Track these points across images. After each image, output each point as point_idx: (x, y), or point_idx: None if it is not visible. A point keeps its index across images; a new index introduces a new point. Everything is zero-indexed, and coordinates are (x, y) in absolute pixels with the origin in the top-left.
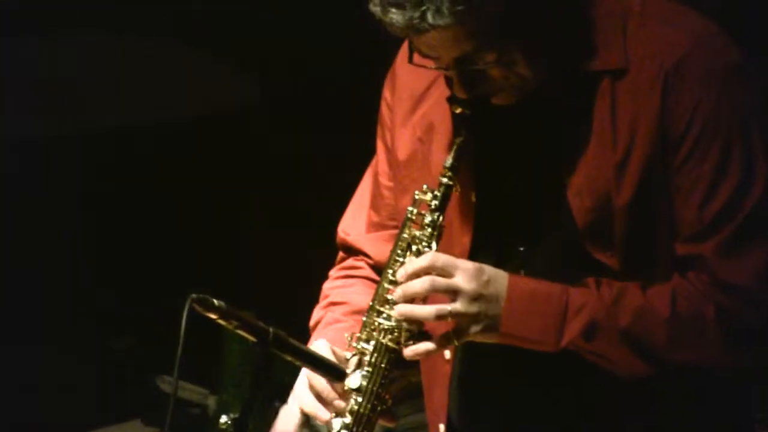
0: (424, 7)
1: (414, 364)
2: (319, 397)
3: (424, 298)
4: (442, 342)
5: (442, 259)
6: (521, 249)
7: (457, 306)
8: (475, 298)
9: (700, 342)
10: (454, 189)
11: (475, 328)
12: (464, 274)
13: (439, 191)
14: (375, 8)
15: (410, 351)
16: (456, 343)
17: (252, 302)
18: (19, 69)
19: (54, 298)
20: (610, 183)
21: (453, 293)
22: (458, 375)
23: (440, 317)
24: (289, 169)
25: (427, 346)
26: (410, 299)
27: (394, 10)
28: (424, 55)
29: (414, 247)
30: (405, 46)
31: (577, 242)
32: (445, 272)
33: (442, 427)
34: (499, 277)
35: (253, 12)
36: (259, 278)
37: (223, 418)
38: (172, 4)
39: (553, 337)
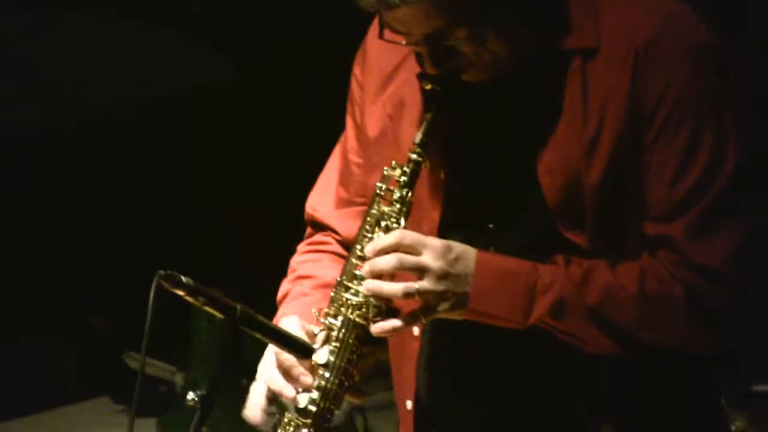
0: None
1: (382, 341)
2: (287, 374)
3: (392, 275)
4: (410, 319)
5: (410, 236)
6: (491, 226)
7: (425, 284)
8: (443, 276)
9: (668, 321)
10: (423, 165)
11: (443, 306)
12: (432, 251)
13: (408, 167)
14: None
15: (377, 328)
16: (424, 321)
17: (223, 280)
18: None
19: (29, 278)
20: (580, 162)
21: (420, 271)
22: (426, 352)
23: (408, 295)
24: (267, 152)
25: (394, 323)
26: (378, 276)
27: None
28: (395, 31)
29: (383, 223)
30: (376, 22)
31: (547, 220)
32: (412, 250)
33: (409, 403)
34: (467, 254)
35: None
36: (231, 257)
37: (191, 395)
38: None
39: (521, 315)
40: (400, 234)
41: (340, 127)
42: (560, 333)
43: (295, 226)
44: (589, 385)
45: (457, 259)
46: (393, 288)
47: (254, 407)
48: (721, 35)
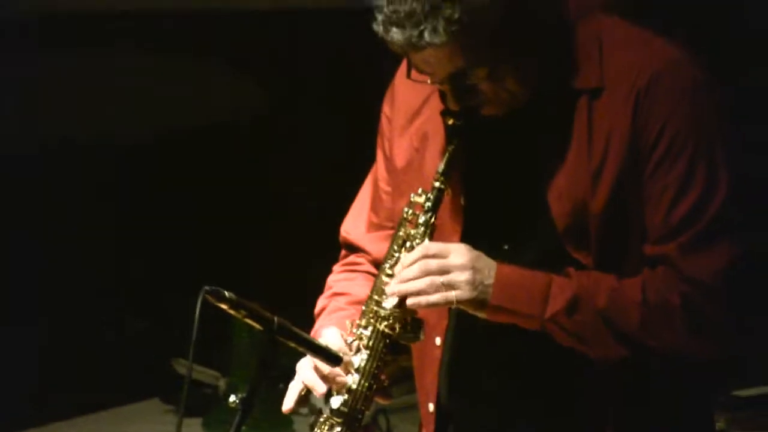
0: (422, 27)
1: (406, 349)
2: (322, 375)
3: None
4: (443, 300)
5: (434, 246)
6: (506, 247)
7: (451, 277)
8: (469, 267)
9: (668, 328)
10: (445, 192)
11: (470, 293)
12: (456, 252)
13: (432, 194)
14: (378, 27)
15: (413, 301)
16: (454, 305)
17: (263, 295)
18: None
19: (85, 285)
20: (586, 190)
21: (446, 272)
22: (447, 360)
23: (434, 287)
24: (295, 176)
25: (429, 298)
26: (404, 281)
27: (395, 29)
28: (421, 71)
29: (408, 244)
30: (404, 64)
31: (556, 242)
32: (438, 256)
33: (431, 405)
34: (488, 259)
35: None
36: (271, 273)
37: (232, 398)
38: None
39: (539, 309)
40: (424, 246)
41: (367, 156)
42: (568, 335)
43: (332, 250)
44: (595, 394)
45: (479, 257)
46: (418, 284)
47: (289, 397)
48: (713, 75)
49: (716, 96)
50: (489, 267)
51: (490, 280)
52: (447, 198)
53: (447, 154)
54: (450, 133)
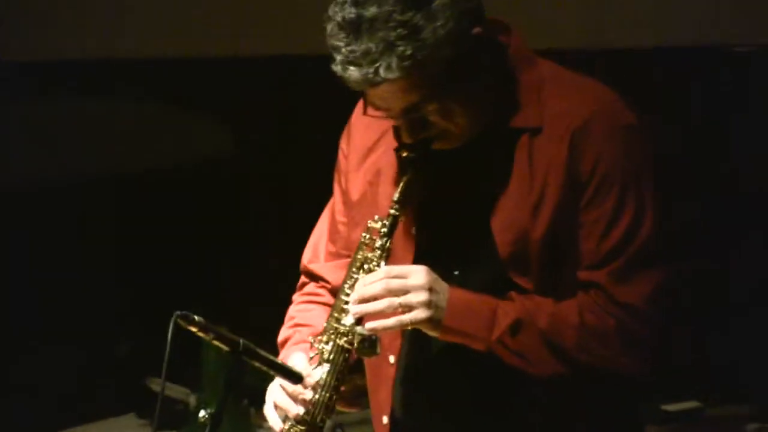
0: (377, 64)
1: (360, 368)
2: (290, 394)
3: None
4: (397, 323)
5: (396, 268)
6: (456, 273)
7: (409, 297)
8: (426, 289)
9: (603, 347)
10: (400, 219)
11: (424, 314)
12: (416, 273)
13: (387, 221)
14: (336, 67)
15: (371, 325)
16: (409, 326)
17: (229, 317)
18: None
19: (67, 308)
20: (527, 221)
21: (405, 292)
22: (400, 376)
23: (392, 307)
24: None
25: (384, 323)
26: (365, 301)
27: (352, 68)
28: (377, 108)
29: (366, 266)
30: (360, 105)
31: (501, 269)
32: (399, 276)
33: (385, 418)
34: (443, 283)
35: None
36: (238, 298)
37: (202, 413)
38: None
39: (486, 332)
40: (387, 268)
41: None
42: (512, 354)
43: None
44: (536, 407)
45: (436, 280)
46: (378, 305)
47: (274, 420)
48: (641, 117)
49: (644, 137)
50: (443, 290)
51: (444, 303)
52: (400, 227)
53: (402, 184)
54: (404, 166)
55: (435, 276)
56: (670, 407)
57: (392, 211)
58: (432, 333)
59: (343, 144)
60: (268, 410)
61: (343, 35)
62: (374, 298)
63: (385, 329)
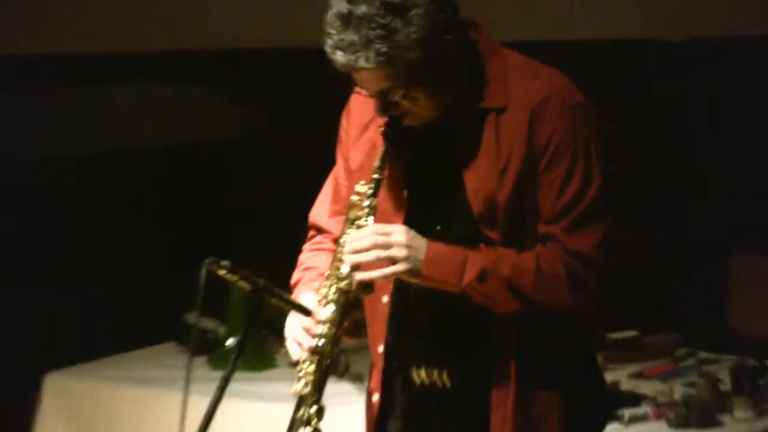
0: (358, 54)
1: (360, 304)
2: (304, 329)
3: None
4: (382, 276)
5: (381, 226)
6: (438, 228)
7: (393, 251)
8: (407, 246)
9: (555, 289)
10: (381, 182)
11: (405, 266)
12: (397, 232)
13: (372, 184)
14: (327, 48)
15: (362, 276)
16: (392, 277)
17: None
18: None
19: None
20: (495, 184)
21: (388, 246)
22: (392, 313)
23: (379, 259)
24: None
25: (372, 274)
26: (357, 252)
27: (339, 52)
28: (359, 85)
29: (356, 223)
30: (356, 90)
31: (474, 224)
32: (384, 234)
33: (381, 347)
34: (420, 239)
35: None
36: (261, 249)
37: (229, 341)
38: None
39: (457, 279)
40: (374, 226)
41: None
42: (480, 295)
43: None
44: (501, 337)
45: (414, 237)
46: (367, 256)
47: (294, 350)
48: (588, 97)
49: (591, 114)
50: (421, 245)
51: (422, 256)
52: (393, 191)
53: (381, 153)
54: (383, 137)
55: (414, 233)
56: (615, 335)
57: (375, 176)
58: (412, 281)
59: (343, 121)
60: (289, 344)
61: (336, 24)
62: (364, 251)
63: (372, 281)
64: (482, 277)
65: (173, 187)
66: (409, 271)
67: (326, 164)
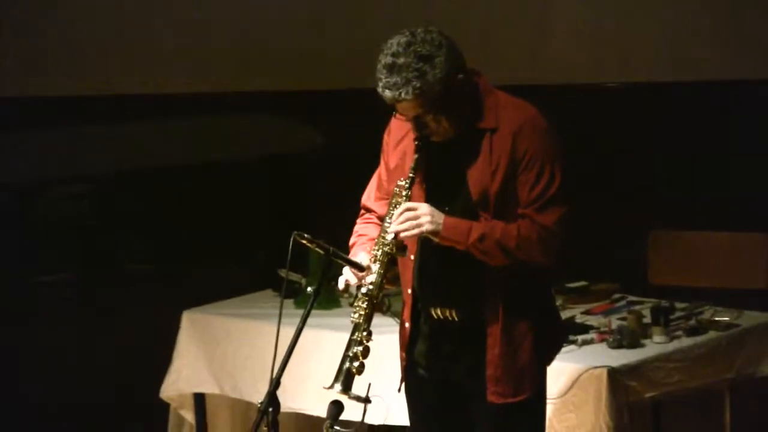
0: (400, 91)
1: (395, 263)
2: (357, 276)
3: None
4: (417, 231)
5: (411, 203)
6: (446, 209)
7: (420, 218)
8: (429, 214)
9: (531, 249)
10: (416, 179)
11: (430, 227)
12: (422, 206)
13: (408, 181)
14: (378, 89)
15: (404, 233)
16: (423, 234)
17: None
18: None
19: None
20: (488, 180)
21: (417, 216)
22: (417, 266)
23: (411, 224)
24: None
25: (407, 232)
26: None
27: (387, 91)
28: (400, 113)
29: (398, 206)
30: (397, 114)
31: (473, 207)
32: (412, 208)
33: (409, 290)
34: (439, 213)
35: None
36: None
37: (309, 289)
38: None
39: (464, 239)
40: (406, 204)
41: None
42: (479, 252)
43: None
44: (493, 281)
45: (434, 211)
46: (405, 224)
47: (341, 282)
48: (553, 123)
49: (555, 135)
50: (440, 215)
51: (440, 221)
52: (417, 184)
53: (415, 159)
54: (416, 149)
55: (433, 208)
56: (571, 285)
57: (411, 174)
58: (435, 239)
59: (385, 136)
60: (341, 279)
61: (384, 71)
62: (400, 220)
63: (408, 236)
64: (482, 238)
65: (270, 191)
66: (433, 232)
67: (370, 168)
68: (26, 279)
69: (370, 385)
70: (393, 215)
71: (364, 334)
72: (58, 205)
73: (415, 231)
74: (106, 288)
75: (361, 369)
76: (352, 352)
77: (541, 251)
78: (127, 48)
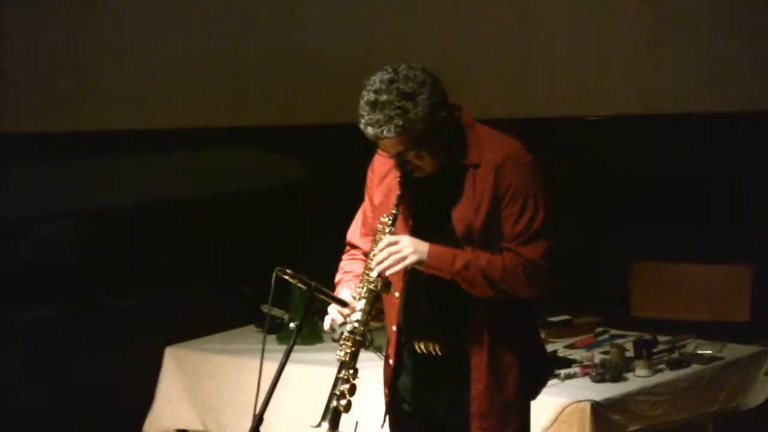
0: (382, 128)
1: (380, 299)
2: (342, 314)
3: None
4: (401, 266)
5: (393, 237)
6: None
7: (403, 251)
8: (410, 245)
9: (515, 281)
10: (398, 215)
11: (414, 258)
12: (404, 239)
13: (391, 217)
14: (361, 125)
15: (386, 270)
16: (407, 268)
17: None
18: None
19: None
20: (472, 216)
21: (399, 249)
22: (402, 303)
23: (393, 258)
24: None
25: (394, 267)
26: (380, 261)
27: (369, 128)
28: (383, 149)
29: (381, 243)
30: (379, 151)
31: (458, 242)
32: (394, 242)
33: (394, 327)
34: (423, 243)
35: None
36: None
37: (291, 325)
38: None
39: (450, 267)
40: (388, 238)
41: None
42: (464, 281)
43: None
44: (478, 314)
45: (416, 241)
46: (389, 261)
47: (326, 323)
48: (535, 157)
49: (536, 168)
50: (423, 245)
51: (425, 250)
52: (401, 219)
53: (398, 195)
54: (399, 185)
55: (417, 240)
56: (553, 319)
57: (393, 211)
58: (420, 268)
59: (369, 172)
60: (327, 319)
61: (366, 108)
62: (383, 257)
63: (393, 272)
64: (466, 266)
65: (255, 225)
66: (418, 262)
67: (356, 201)
68: (6, 314)
69: (357, 423)
70: (376, 250)
71: (351, 372)
72: (41, 240)
73: (400, 266)
74: (87, 323)
75: (348, 407)
76: (339, 391)
77: (526, 284)
78: (114, 83)
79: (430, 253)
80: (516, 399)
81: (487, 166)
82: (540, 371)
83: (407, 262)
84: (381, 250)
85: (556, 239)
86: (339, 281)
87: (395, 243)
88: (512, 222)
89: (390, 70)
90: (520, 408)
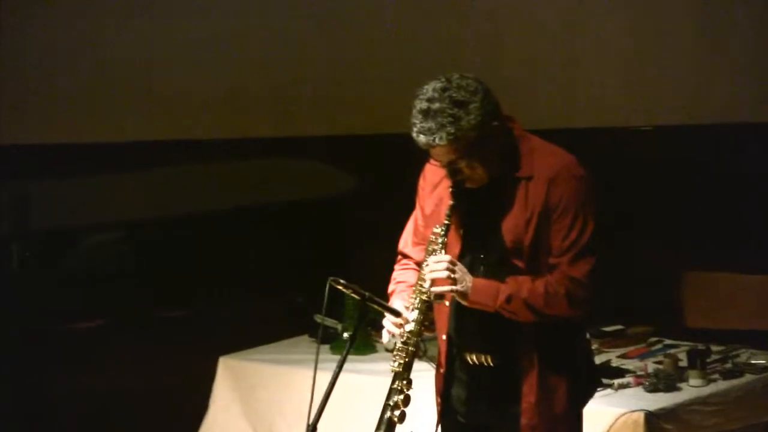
0: (434, 136)
1: (432, 309)
2: (395, 324)
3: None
4: (448, 289)
5: (454, 260)
6: (482, 256)
7: (457, 275)
8: (462, 273)
9: (558, 305)
10: (451, 225)
11: (461, 287)
12: (460, 265)
13: (443, 228)
14: (413, 134)
15: (436, 288)
16: (454, 291)
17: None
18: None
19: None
20: (522, 230)
21: (455, 271)
22: (452, 313)
23: (449, 277)
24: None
25: (442, 288)
26: (434, 271)
27: (421, 136)
28: (434, 158)
29: (434, 253)
30: (432, 162)
31: (507, 255)
32: (453, 264)
33: (444, 336)
34: (469, 274)
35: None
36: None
37: (345, 335)
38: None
39: (492, 302)
40: (451, 259)
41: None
42: (507, 312)
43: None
44: (525, 336)
45: (464, 271)
46: (441, 274)
47: (385, 337)
48: (588, 171)
49: (588, 182)
50: (469, 278)
51: (470, 284)
52: (453, 230)
53: (450, 206)
54: (452, 196)
55: (466, 269)
56: (607, 329)
57: (446, 221)
58: (462, 302)
59: (421, 181)
60: (384, 333)
61: (419, 116)
62: (440, 271)
63: (439, 290)
64: (509, 300)
65: (309, 235)
66: (463, 294)
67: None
68: (59, 325)
69: None
70: (431, 260)
71: (404, 383)
72: (92, 252)
73: (448, 288)
74: (140, 334)
75: (402, 418)
76: (393, 401)
77: (569, 305)
78: (158, 95)
79: (474, 288)
80: (566, 412)
81: (540, 179)
82: (589, 383)
83: (456, 287)
84: (439, 261)
85: (606, 252)
86: (392, 292)
87: (453, 264)
88: (562, 236)
89: (443, 79)
90: (570, 420)
